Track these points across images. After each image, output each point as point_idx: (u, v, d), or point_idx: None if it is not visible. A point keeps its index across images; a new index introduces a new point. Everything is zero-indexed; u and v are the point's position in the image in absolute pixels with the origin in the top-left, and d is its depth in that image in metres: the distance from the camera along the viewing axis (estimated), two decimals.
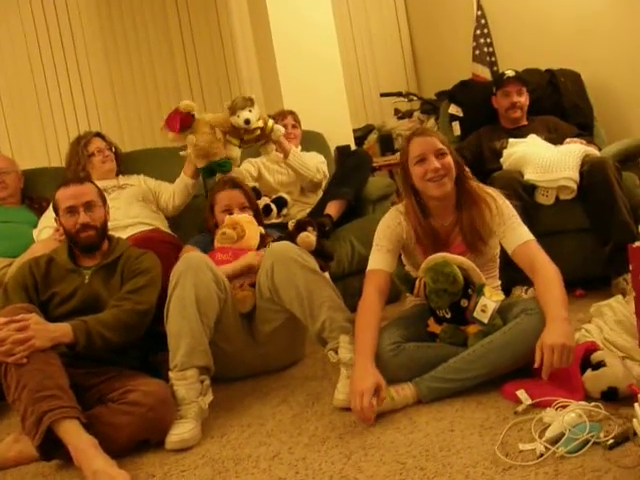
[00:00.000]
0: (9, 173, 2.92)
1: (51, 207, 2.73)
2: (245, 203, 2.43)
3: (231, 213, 2.39)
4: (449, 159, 1.92)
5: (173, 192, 2.91)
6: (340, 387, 1.84)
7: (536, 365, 1.59)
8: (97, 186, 2.17)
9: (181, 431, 1.73)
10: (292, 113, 3.25)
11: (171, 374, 1.85)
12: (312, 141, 3.36)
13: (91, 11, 4.87)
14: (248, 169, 3.06)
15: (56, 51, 4.81)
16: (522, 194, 2.52)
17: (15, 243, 2.67)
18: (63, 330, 1.77)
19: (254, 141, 2.83)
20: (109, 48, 4.91)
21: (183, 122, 2.66)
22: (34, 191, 3.04)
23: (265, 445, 1.69)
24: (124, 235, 2.58)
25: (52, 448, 1.62)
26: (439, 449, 1.50)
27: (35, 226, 2.76)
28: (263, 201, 2.86)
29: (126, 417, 1.70)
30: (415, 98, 4.47)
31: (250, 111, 2.70)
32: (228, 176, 2.67)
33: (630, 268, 1.81)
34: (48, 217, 2.70)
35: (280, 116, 3.17)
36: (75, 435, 1.59)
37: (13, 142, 4.73)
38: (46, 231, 2.65)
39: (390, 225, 1.99)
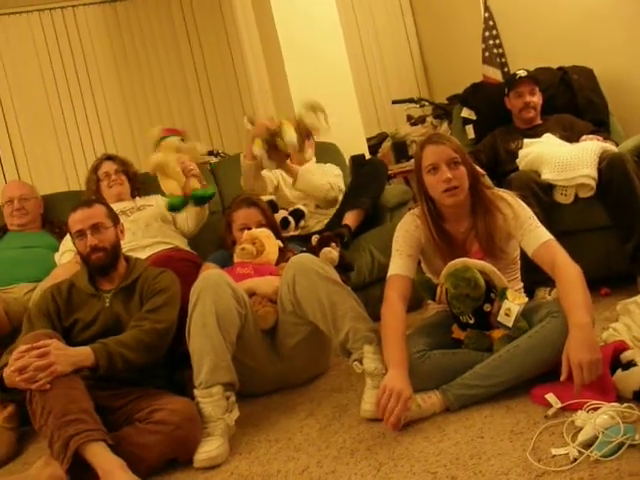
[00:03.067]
0: (29, 199, 2.96)
1: None
2: (262, 221, 2.43)
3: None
4: (462, 169, 1.90)
5: (186, 216, 2.91)
6: (366, 398, 1.82)
7: (562, 379, 1.57)
8: (108, 206, 2.19)
9: (209, 449, 1.73)
10: None
11: (196, 392, 1.85)
12: (326, 152, 3.36)
13: (102, 36, 4.95)
14: (269, 177, 3.07)
15: (70, 77, 4.89)
16: (540, 194, 2.49)
17: (38, 268, 2.70)
18: (84, 354, 1.78)
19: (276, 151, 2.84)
20: (121, 70, 4.98)
21: None
22: (54, 216, 3.08)
23: (294, 460, 1.68)
24: (143, 255, 2.60)
25: (81, 471, 1.62)
26: (469, 457, 1.47)
27: (56, 250, 2.79)
28: (280, 214, 2.87)
29: (153, 436, 1.70)
30: (427, 103, 4.46)
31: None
32: (245, 194, 2.67)
33: None
34: (69, 241, 2.73)
35: None
36: (102, 457, 1.60)
37: (32, 169, 4.81)
38: (67, 255, 2.68)
39: (408, 229, 1.98)
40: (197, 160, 2.93)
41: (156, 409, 1.75)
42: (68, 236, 2.77)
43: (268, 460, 1.71)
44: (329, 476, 1.54)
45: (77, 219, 2.06)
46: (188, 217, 2.90)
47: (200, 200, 2.82)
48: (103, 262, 2.05)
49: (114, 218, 2.16)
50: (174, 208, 2.83)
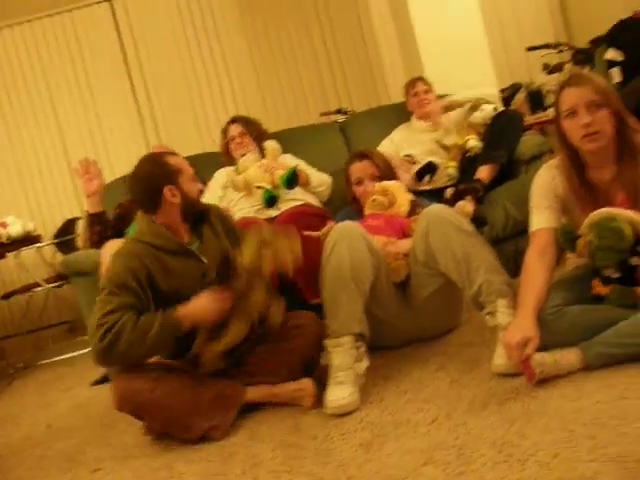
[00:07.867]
0: None
1: (212, 181, 2.97)
2: (376, 172, 2.44)
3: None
4: (604, 112, 1.74)
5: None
6: (499, 352, 1.78)
7: None
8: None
9: (340, 396, 1.78)
10: (421, 79, 3.18)
11: (327, 341, 1.89)
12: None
13: (233, 6, 5.10)
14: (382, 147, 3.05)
15: (203, 43, 5.10)
16: None
17: None
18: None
19: None
20: (248, 33, 5.11)
21: None
22: None
23: (423, 411, 1.68)
24: (276, 212, 2.68)
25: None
26: (610, 418, 1.39)
27: None
28: (416, 166, 2.83)
29: (299, 340, 1.98)
30: (566, 48, 4.14)
31: None
32: (359, 149, 2.66)
33: None
34: (211, 189, 2.96)
35: (410, 86, 3.15)
36: (254, 397, 1.91)
37: (172, 134, 5.10)
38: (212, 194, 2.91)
39: (544, 182, 1.88)
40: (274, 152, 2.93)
41: (285, 322, 1.98)
42: (210, 184, 2.99)
43: (398, 410, 1.73)
44: (459, 428, 1.53)
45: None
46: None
47: (289, 182, 2.76)
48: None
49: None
50: (272, 201, 2.75)
